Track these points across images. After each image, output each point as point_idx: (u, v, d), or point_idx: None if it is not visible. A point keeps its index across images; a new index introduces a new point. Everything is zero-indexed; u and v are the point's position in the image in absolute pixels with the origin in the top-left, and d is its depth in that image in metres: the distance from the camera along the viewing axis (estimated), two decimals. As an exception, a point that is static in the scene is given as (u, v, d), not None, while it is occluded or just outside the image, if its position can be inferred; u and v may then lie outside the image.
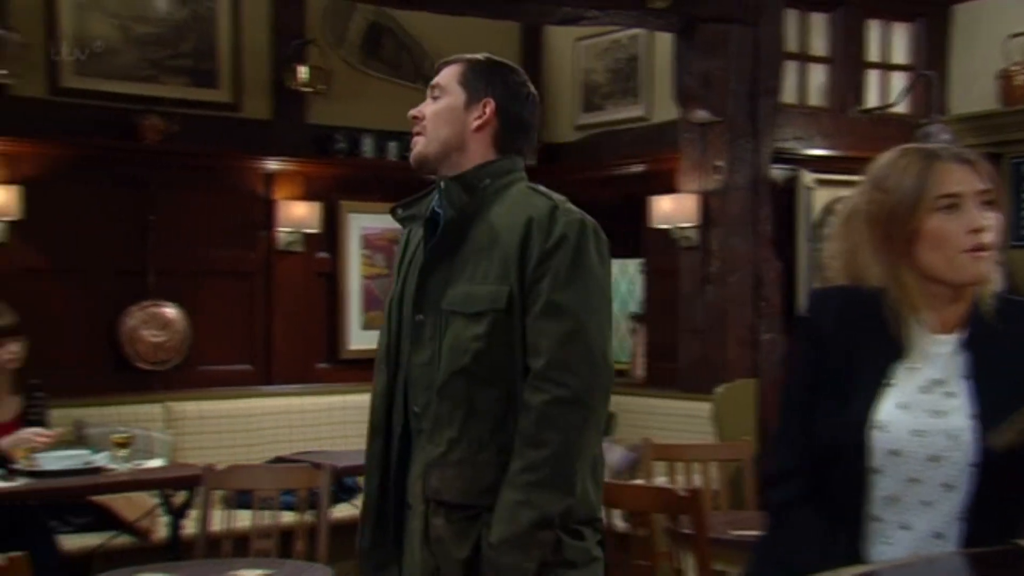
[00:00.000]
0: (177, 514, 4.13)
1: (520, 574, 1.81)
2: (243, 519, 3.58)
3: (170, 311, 5.31)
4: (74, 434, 4.57)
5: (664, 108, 5.67)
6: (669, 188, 5.40)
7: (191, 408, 5.14)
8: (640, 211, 5.56)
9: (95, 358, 5.13)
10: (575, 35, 6.17)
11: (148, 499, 4.43)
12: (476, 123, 1.98)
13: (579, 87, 6.27)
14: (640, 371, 5.86)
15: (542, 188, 1.99)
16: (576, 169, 6.19)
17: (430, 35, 5.99)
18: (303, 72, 5.52)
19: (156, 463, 4.26)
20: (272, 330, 5.57)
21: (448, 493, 1.89)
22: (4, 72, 4.75)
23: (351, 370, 5.58)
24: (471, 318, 1.89)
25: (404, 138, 6.04)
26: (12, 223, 4.82)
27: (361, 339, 5.64)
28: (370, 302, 5.77)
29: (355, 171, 5.78)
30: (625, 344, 6.13)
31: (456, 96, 1.99)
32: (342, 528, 3.71)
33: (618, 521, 3.24)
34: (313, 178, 5.68)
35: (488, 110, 1.99)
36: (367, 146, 5.80)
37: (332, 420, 5.36)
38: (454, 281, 1.93)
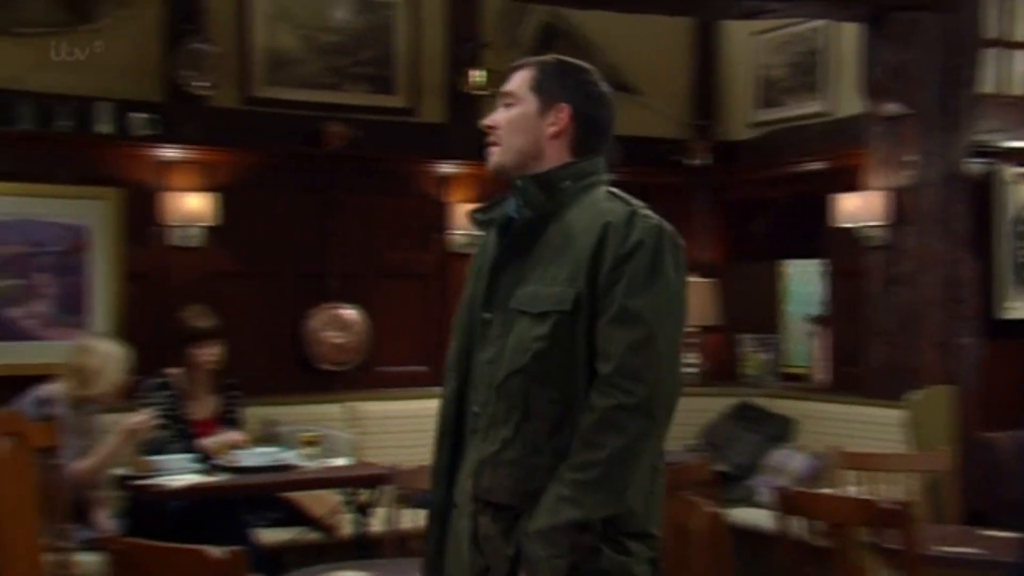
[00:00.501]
0: (362, 512, 4.22)
1: (551, 569, 1.77)
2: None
3: (350, 313, 5.45)
4: (264, 432, 4.74)
5: (848, 102, 5.45)
6: (853, 185, 5.18)
7: (372, 408, 5.25)
8: (820, 210, 5.36)
9: (281, 359, 5.31)
10: (751, 29, 6.00)
11: (334, 497, 4.55)
12: (552, 130, 1.94)
13: (756, 83, 6.09)
14: (822, 376, 5.64)
15: (622, 193, 1.95)
16: (752, 167, 6.03)
17: (603, 34, 5.95)
18: (477, 75, 5.57)
19: (341, 462, 4.37)
20: (446, 332, 5.59)
21: (498, 493, 1.87)
22: (204, 83, 4.98)
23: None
24: (535, 318, 1.86)
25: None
26: (210, 228, 5.05)
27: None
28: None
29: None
30: (804, 348, 5.92)
31: (529, 103, 1.95)
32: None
33: (800, 530, 3.10)
34: (487, 181, 5.70)
35: (563, 115, 1.94)
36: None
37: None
38: (524, 281, 1.90)
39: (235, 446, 4.27)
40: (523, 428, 1.85)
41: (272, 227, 5.27)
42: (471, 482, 1.90)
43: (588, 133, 1.96)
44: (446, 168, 5.63)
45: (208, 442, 4.24)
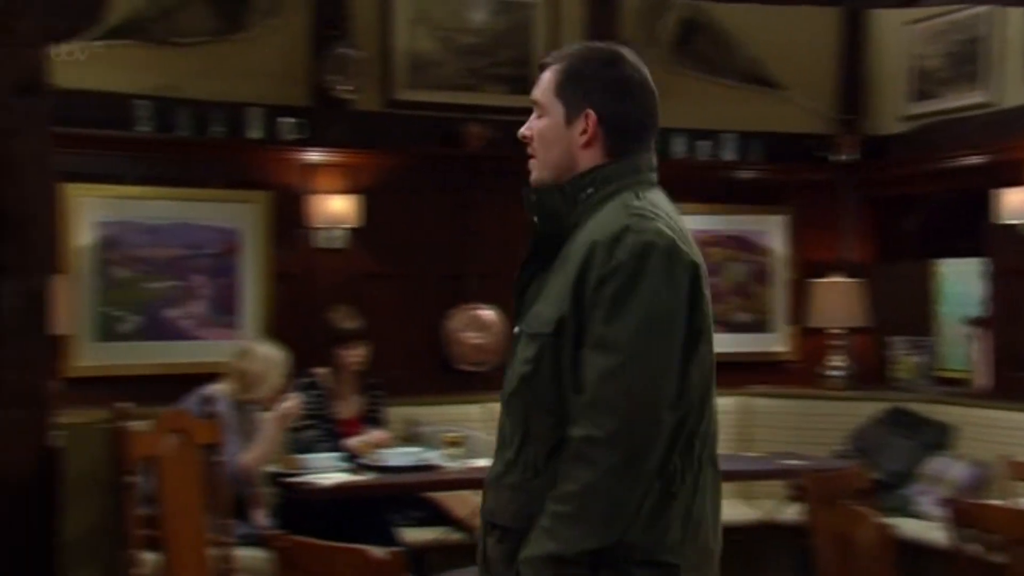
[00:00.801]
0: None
1: None
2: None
3: (489, 313, 5.44)
4: (407, 432, 4.79)
5: (1013, 91, 5.15)
6: (1018, 180, 4.89)
7: (511, 409, 5.23)
8: (980, 206, 5.08)
9: (422, 359, 5.35)
10: (904, 19, 5.74)
11: (475, 497, 4.54)
12: (582, 139, 1.82)
13: (908, 74, 5.83)
14: (983, 380, 5.35)
15: (637, 203, 1.79)
16: (903, 163, 5.77)
17: (745, 28, 5.80)
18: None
19: (484, 462, 4.36)
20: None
21: (501, 516, 1.82)
22: (348, 88, 5.07)
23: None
24: (529, 339, 1.79)
25: (716, 137, 5.92)
26: (353, 230, 5.13)
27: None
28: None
29: (664, 171, 5.67)
30: (961, 351, 5.63)
31: (555, 112, 1.84)
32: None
33: (972, 544, 2.91)
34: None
35: (590, 122, 1.81)
36: (678, 146, 5.69)
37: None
38: (539, 297, 1.81)
39: (380, 446, 4.32)
40: (524, 450, 1.79)
41: (412, 228, 5.32)
42: (482, 502, 1.89)
43: (619, 133, 1.83)
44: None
45: (354, 442, 4.31)
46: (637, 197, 1.80)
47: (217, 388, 4.08)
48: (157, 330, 4.80)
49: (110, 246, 4.73)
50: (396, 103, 5.34)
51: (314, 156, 5.12)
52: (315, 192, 5.09)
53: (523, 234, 5.86)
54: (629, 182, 1.82)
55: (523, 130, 1.90)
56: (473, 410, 5.16)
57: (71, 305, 4.34)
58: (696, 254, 1.78)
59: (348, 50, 5.07)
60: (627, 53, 1.87)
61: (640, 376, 1.69)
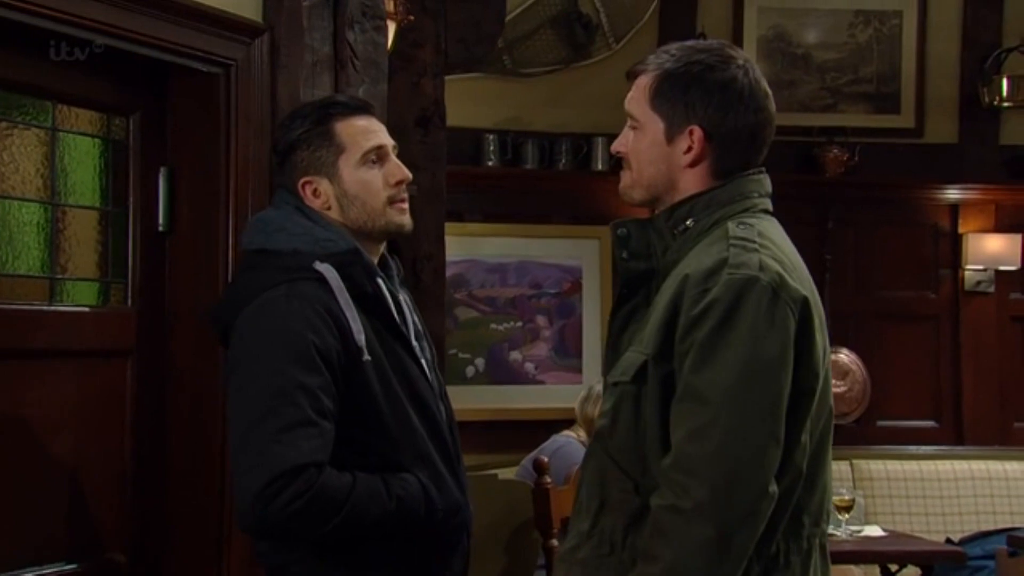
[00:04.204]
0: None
1: None
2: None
3: (848, 358, 4.92)
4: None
5: None
6: None
7: (874, 468, 4.69)
8: None
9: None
10: None
11: (854, 571, 4.05)
12: (686, 159, 1.55)
13: None
14: None
15: (740, 231, 1.50)
16: None
17: None
18: (1001, 86, 4.80)
19: (873, 530, 3.86)
20: (961, 382, 4.93)
21: None
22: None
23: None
24: (610, 389, 1.57)
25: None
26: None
27: None
28: None
29: None
30: None
31: (654, 128, 1.57)
32: None
33: None
34: (1006, 207, 4.95)
35: (695, 139, 1.54)
36: None
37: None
38: (632, 344, 1.56)
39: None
40: (601, 521, 1.55)
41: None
42: None
43: (731, 151, 1.56)
44: (957, 194, 4.94)
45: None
46: (741, 225, 1.53)
47: (570, 435, 3.84)
48: (501, 373, 4.64)
49: (456, 286, 4.61)
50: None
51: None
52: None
53: (887, 268, 5.29)
54: (735, 209, 1.55)
55: (617, 146, 1.63)
56: (838, 467, 4.64)
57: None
58: (809, 290, 1.50)
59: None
60: (737, 53, 1.59)
61: (736, 435, 1.42)
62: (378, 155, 1.82)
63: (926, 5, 4.94)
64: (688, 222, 1.56)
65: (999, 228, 4.92)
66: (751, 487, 1.42)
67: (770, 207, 1.61)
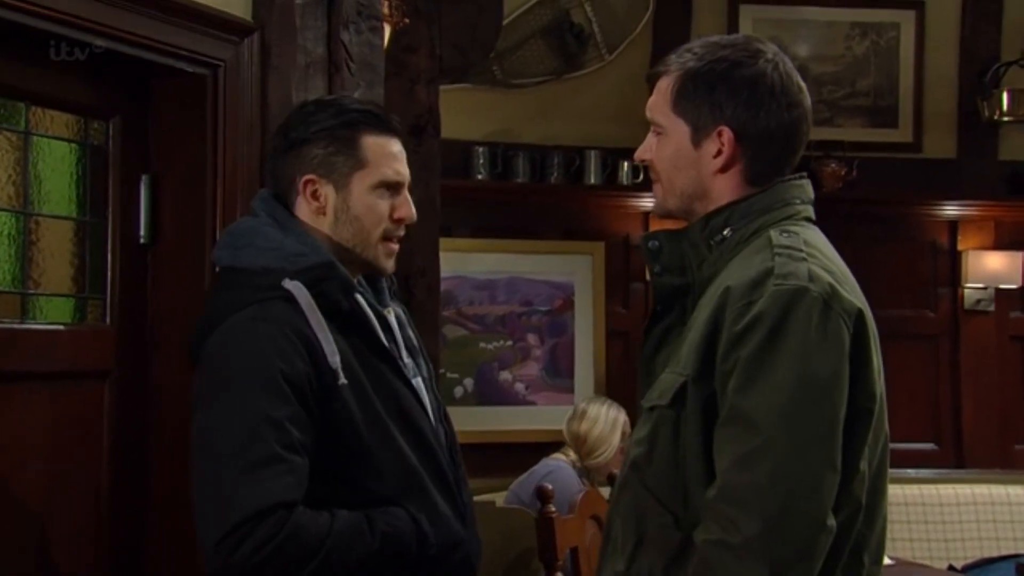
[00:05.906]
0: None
1: None
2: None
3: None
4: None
5: None
6: None
7: (874, 490, 4.57)
8: None
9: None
10: None
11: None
12: (717, 163, 1.45)
13: None
14: None
15: (785, 239, 1.39)
16: None
17: None
18: (1002, 99, 4.72)
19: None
20: (961, 404, 4.84)
21: None
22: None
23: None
24: (645, 414, 1.44)
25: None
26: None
27: None
28: None
29: None
30: None
31: (679, 133, 1.47)
32: None
33: None
34: (1006, 224, 4.87)
35: (725, 141, 1.44)
36: None
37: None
38: (668, 365, 1.45)
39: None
40: (637, 560, 1.42)
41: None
42: None
43: (764, 152, 1.45)
44: (956, 210, 4.86)
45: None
46: (784, 233, 1.42)
47: (560, 458, 3.69)
48: (491, 393, 4.49)
49: (444, 303, 4.44)
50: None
51: (647, 203, 4.68)
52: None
53: (884, 287, 5.18)
54: (777, 217, 1.45)
55: (640, 153, 1.53)
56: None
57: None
58: (863, 302, 1.40)
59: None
60: (766, 46, 1.48)
61: (788, 462, 1.30)
62: (395, 187, 1.69)
63: (924, 17, 4.86)
64: (725, 232, 1.46)
65: (999, 245, 4.84)
66: (807, 520, 1.29)
67: (812, 215, 1.50)
